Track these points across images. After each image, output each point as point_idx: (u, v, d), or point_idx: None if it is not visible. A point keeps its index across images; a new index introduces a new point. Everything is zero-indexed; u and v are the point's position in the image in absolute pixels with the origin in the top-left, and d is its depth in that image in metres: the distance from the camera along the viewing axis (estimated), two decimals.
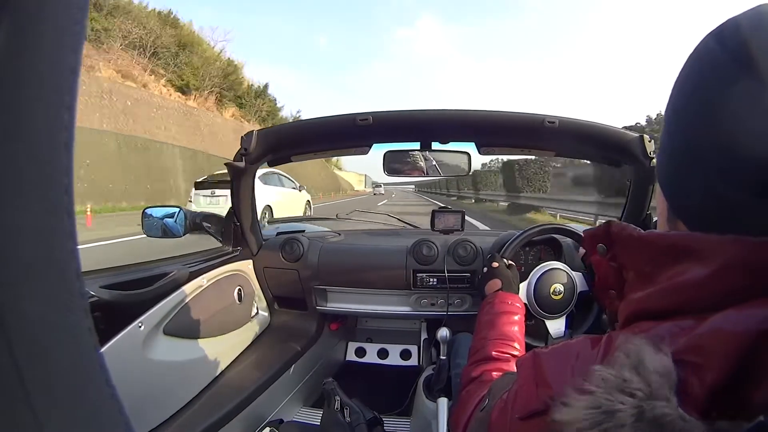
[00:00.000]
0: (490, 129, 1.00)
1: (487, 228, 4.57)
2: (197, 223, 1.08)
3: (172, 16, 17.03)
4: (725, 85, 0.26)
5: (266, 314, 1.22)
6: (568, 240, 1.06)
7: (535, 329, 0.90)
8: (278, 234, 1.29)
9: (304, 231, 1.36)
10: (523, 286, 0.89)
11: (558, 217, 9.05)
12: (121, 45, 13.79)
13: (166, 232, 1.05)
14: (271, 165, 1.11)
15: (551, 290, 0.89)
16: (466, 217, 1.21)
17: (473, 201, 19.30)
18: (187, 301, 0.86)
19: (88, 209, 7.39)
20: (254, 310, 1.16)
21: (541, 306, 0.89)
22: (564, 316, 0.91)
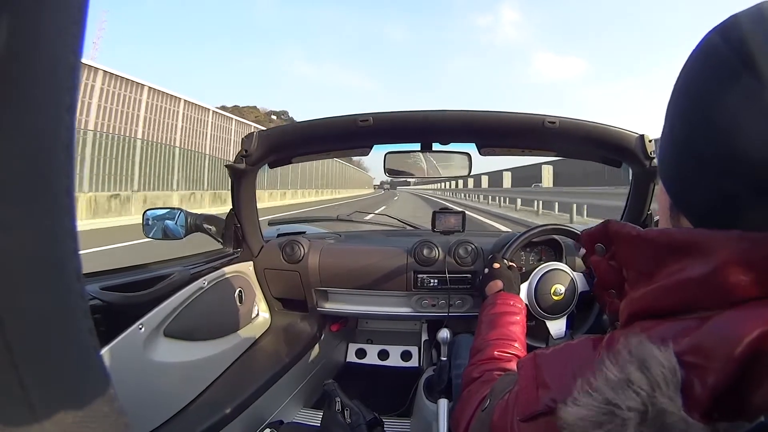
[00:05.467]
0: (490, 130, 1.00)
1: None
2: (198, 224, 1.08)
3: None
4: (726, 81, 0.26)
5: (267, 316, 1.21)
6: (569, 240, 1.06)
7: (536, 330, 0.90)
8: (279, 235, 1.29)
9: (304, 232, 1.36)
10: (523, 286, 0.89)
11: None
12: None
13: (167, 234, 1.05)
14: (271, 167, 1.11)
15: (552, 291, 0.89)
16: None
17: None
18: (187, 302, 0.86)
19: None
20: (255, 312, 1.16)
21: (541, 306, 0.89)
22: (565, 317, 0.91)
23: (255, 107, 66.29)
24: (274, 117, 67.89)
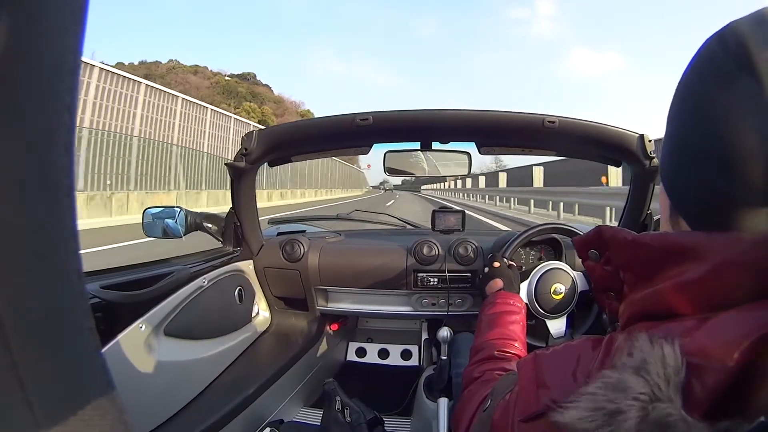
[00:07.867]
0: (490, 129, 1.00)
1: None
2: (198, 223, 1.08)
3: None
4: (725, 84, 0.26)
5: (267, 314, 1.22)
6: (568, 239, 1.06)
7: (535, 329, 0.90)
8: (279, 234, 1.29)
9: (304, 231, 1.36)
10: (523, 285, 0.89)
11: None
12: None
13: (167, 233, 1.05)
14: (271, 165, 1.11)
15: (552, 290, 0.89)
16: None
17: None
18: (187, 301, 0.86)
19: None
20: (255, 311, 1.16)
21: (541, 306, 0.89)
22: (565, 316, 0.91)
23: (205, 68, 43.62)
24: (234, 81, 43.28)
